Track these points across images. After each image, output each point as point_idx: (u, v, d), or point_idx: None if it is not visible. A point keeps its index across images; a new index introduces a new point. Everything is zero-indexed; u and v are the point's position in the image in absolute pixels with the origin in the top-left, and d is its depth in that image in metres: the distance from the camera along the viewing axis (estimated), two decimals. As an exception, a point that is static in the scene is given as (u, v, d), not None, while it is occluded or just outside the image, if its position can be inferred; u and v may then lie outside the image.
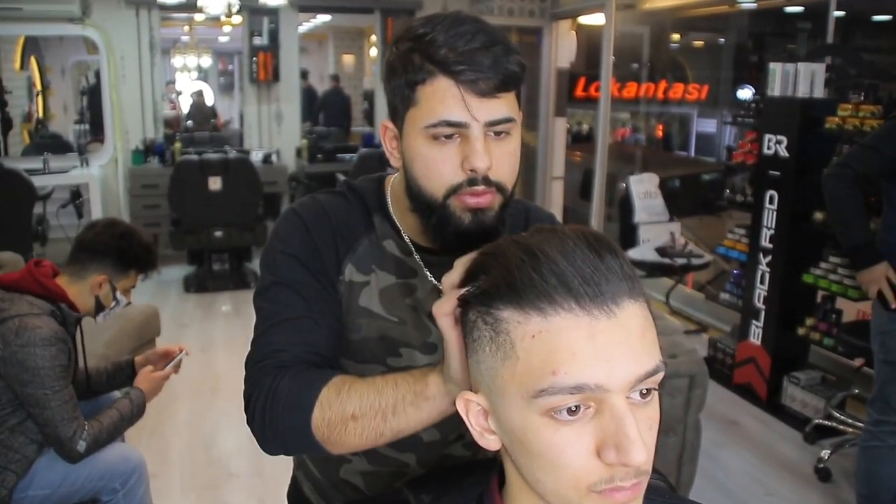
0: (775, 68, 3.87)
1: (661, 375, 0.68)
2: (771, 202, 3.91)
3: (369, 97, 10.16)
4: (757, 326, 4.05)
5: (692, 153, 8.85)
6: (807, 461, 3.52)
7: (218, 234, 6.03)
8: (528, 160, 7.17)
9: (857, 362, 3.87)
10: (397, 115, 1.05)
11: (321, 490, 1.34)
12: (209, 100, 10.89)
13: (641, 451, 0.64)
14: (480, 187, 1.02)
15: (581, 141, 8.78)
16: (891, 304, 2.59)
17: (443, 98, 0.98)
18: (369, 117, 9.47)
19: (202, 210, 5.93)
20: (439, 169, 1.02)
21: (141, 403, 2.30)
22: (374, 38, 8.56)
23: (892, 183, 2.64)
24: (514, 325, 0.67)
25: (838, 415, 3.64)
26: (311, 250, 1.11)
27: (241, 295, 6.08)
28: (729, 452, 3.58)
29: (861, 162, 2.65)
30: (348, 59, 12.46)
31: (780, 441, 3.72)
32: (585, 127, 9.07)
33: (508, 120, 1.01)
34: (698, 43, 9.29)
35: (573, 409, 0.65)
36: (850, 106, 3.55)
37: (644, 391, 0.67)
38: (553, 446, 0.66)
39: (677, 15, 8.11)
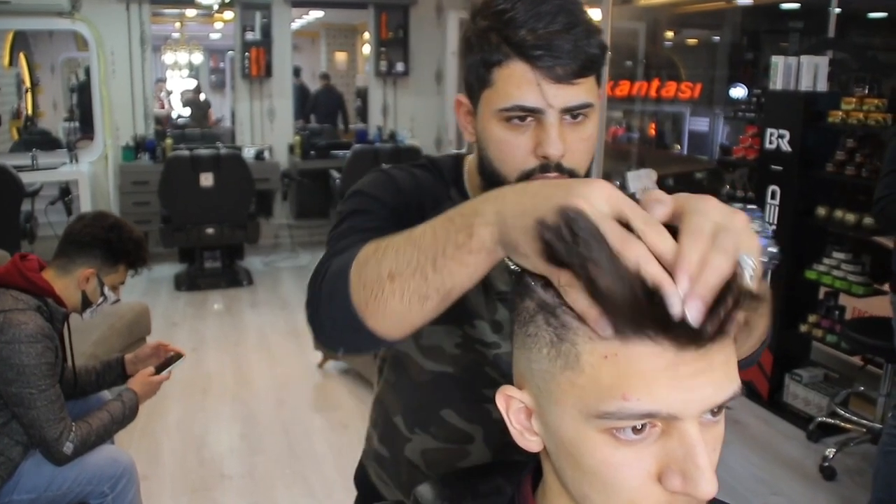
0: (777, 62, 3.82)
1: (738, 396, 0.60)
2: (773, 197, 3.85)
3: (362, 94, 10.09)
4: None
5: (685, 151, 8.81)
6: (811, 460, 3.46)
7: (209, 231, 5.95)
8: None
9: (860, 360, 3.82)
10: (472, 92, 1.04)
11: (386, 469, 1.32)
12: (201, 97, 10.79)
13: (711, 483, 0.57)
14: (553, 174, 1.00)
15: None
16: None
17: (518, 83, 0.96)
18: (362, 114, 9.40)
19: (193, 207, 5.85)
20: (512, 153, 1.00)
21: (133, 406, 2.22)
22: (366, 35, 8.49)
23: None
24: (584, 338, 0.58)
25: (842, 412, 3.59)
26: (400, 204, 1.08)
27: (233, 293, 6.01)
28: (732, 452, 3.52)
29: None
30: (341, 56, 12.38)
31: (783, 440, 3.67)
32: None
33: (586, 105, 1.00)
34: (692, 41, 9.26)
35: (638, 427, 0.58)
36: (854, 99, 3.49)
37: (716, 409, 0.60)
38: (610, 466, 0.59)
39: (673, 11, 8.08)
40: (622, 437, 0.58)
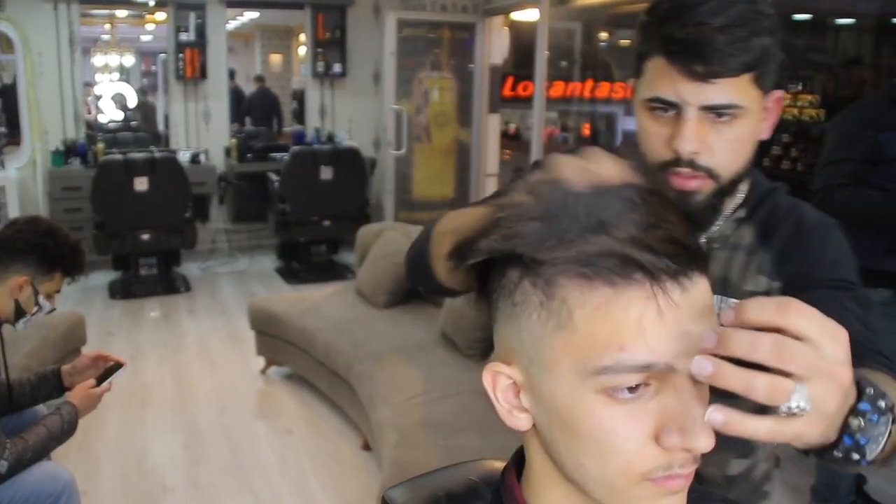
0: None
1: None
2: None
3: (298, 97, 9.98)
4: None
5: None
6: (755, 450, 3.52)
7: (145, 237, 5.80)
8: (463, 157, 7.13)
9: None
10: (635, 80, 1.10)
11: None
12: (132, 101, 10.52)
13: (709, 435, 0.57)
14: (685, 170, 1.03)
15: (509, 140, 8.79)
16: None
17: (659, 75, 1.02)
18: (298, 117, 9.29)
19: (128, 212, 5.69)
20: (652, 143, 1.05)
21: (73, 420, 2.12)
22: (302, 36, 8.39)
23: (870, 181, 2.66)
24: (575, 292, 0.58)
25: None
26: None
27: (171, 300, 5.86)
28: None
29: (838, 175, 2.65)
30: (276, 58, 12.23)
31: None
32: (513, 126, 9.08)
33: (730, 106, 1.00)
34: (626, 41, 9.39)
35: (634, 387, 0.57)
36: (789, 95, 3.58)
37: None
38: (606, 428, 0.58)
39: (608, 12, 8.17)
40: (618, 396, 0.58)
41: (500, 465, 0.93)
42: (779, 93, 1.08)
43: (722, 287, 1.15)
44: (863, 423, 0.61)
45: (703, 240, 1.18)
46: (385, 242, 4.39)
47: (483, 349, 3.46)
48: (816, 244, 1.14)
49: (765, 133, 1.08)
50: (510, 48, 7.34)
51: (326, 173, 6.29)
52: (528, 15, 6.61)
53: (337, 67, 7.29)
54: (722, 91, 0.99)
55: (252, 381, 4.43)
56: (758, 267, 1.14)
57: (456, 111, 7.03)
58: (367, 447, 3.55)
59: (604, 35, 8.97)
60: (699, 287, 0.59)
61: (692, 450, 0.58)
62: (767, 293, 1.11)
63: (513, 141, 8.61)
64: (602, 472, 0.60)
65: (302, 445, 3.65)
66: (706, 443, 0.56)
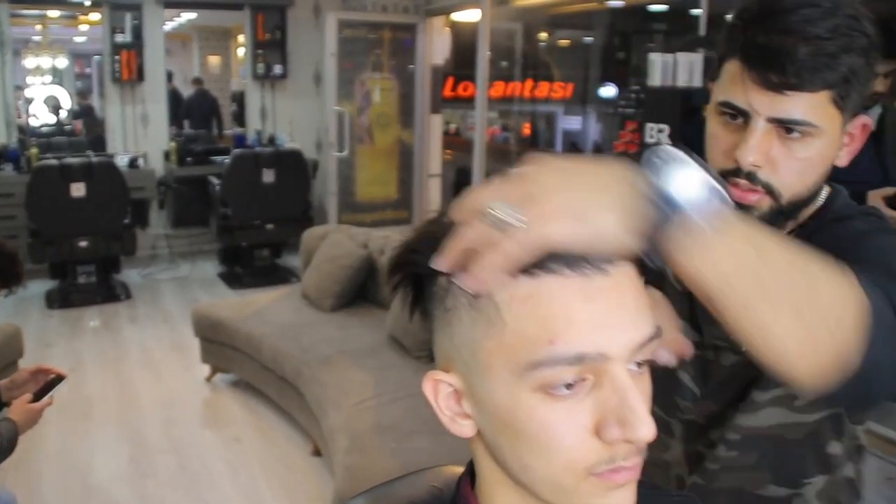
0: (655, 59, 3.94)
1: (656, 343, 0.61)
2: (655, 190, 3.97)
3: (237, 99, 9.85)
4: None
5: (559, 149, 9.04)
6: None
7: (82, 244, 5.65)
8: (406, 158, 7.12)
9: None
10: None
11: None
12: (66, 103, 10.26)
13: (649, 425, 0.57)
14: (743, 182, 0.98)
15: (449, 140, 8.83)
16: None
17: (732, 79, 0.97)
18: (238, 119, 9.17)
19: (64, 219, 5.53)
20: (715, 148, 1.01)
21: (12, 437, 2.04)
22: (241, 37, 8.28)
23: None
24: (499, 286, 0.58)
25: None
26: None
27: (111, 309, 5.72)
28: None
29: None
30: (214, 60, 12.05)
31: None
32: (453, 126, 9.11)
33: (801, 123, 0.94)
34: (565, 41, 9.50)
35: (570, 383, 0.58)
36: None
37: (640, 362, 0.61)
38: (547, 426, 0.59)
39: (548, 12, 8.24)
40: (556, 393, 0.58)
41: (460, 470, 0.93)
42: (865, 119, 1.01)
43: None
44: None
45: None
46: (330, 245, 4.36)
47: (432, 351, 3.45)
48: (846, 248, 0.91)
49: (843, 160, 1.01)
50: (451, 49, 7.36)
51: (268, 176, 6.22)
52: (469, 15, 6.63)
53: (277, 69, 7.21)
54: (795, 106, 0.93)
55: (198, 389, 4.35)
56: None
57: (398, 112, 7.02)
58: (317, 453, 3.51)
59: (544, 35, 9.05)
60: (622, 271, 0.59)
61: (633, 441, 0.58)
62: None
63: (454, 141, 8.64)
64: (548, 472, 0.60)
65: (251, 453, 3.59)
66: (646, 433, 0.57)
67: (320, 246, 4.43)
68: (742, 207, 0.98)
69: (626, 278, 0.60)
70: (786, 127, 0.94)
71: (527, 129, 8.97)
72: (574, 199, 0.55)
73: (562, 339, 0.56)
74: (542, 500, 0.63)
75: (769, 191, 0.98)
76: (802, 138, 0.95)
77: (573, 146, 8.46)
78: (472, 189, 0.59)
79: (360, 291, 4.27)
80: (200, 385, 4.38)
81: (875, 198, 2.60)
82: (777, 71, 0.92)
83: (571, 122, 8.98)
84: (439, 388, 0.65)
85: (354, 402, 3.12)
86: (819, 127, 0.94)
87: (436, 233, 0.61)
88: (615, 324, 0.58)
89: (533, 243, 0.54)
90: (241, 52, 9.24)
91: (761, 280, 0.64)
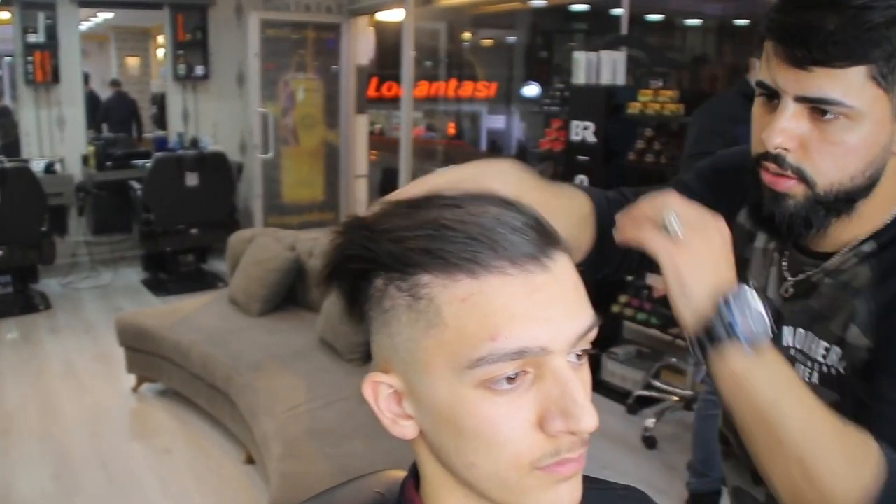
0: (580, 57, 4.00)
1: (595, 333, 0.62)
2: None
3: (158, 101, 9.62)
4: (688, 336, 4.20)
5: (483, 148, 9.13)
6: (633, 432, 3.68)
7: (-3, 253, 5.43)
8: (332, 159, 7.08)
9: (669, 334, 4.09)
10: None
11: None
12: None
13: (591, 415, 0.58)
14: (772, 165, 0.92)
15: (374, 140, 8.83)
16: None
17: (766, 58, 0.92)
18: (159, 122, 8.96)
19: (-23, 228, 5.32)
20: (756, 127, 0.95)
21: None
22: (160, 38, 8.10)
23: None
24: (439, 288, 0.58)
25: (656, 384, 3.85)
26: None
27: (29, 320, 5.52)
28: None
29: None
30: (132, 61, 11.76)
31: (605, 416, 3.82)
32: (378, 127, 9.11)
33: (831, 103, 0.85)
34: (489, 41, 9.57)
35: (511, 377, 0.58)
36: (650, 92, 3.73)
37: (580, 353, 0.62)
38: (490, 422, 0.59)
39: (472, 12, 8.29)
40: (497, 388, 0.58)
41: (402, 474, 0.92)
42: None
43: (809, 324, 1.01)
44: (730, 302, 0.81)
45: (804, 273, 1.02)
46: (257, 248, 4.30)
47: (364, 353, 3.44)
48: None
49: None
50: (375, 49, 7.35)
51: (192, 179, 6.09)
52: (393, 15, 6.62)
53: (199, 70, 7.06)
54: (823, 84, 0.85)
55: (124, 400, 4.23)
56: (853, 314, 0.94)
57: (323, 113, 6.97)
58: (250, 461, 3.46)
59: (467, 35, 9.10)
60: (560, 264, 0.60)
61: (577, 432, 0.58)
62: (854, 351, 0.94)
63: (379, 141, 8.62)
64: (493, 468, 0.60)
65: (183, 464, 3.51)
66: (589, 423, 0.58)
67: (247, 249, 4.36)
68: (775, 195, 0.93)
69: (564, 271, 0.61)
70: (817, 108, 0.87)
71: (452, 129, 9.01)
72: (698, 270, 0.81)
73: (503, 335, 0.56)
74: (489, 499, 0.63)
75: (801, 177, 0.90)
76: (838, 120, 0.86)
77: (493, 144, 8.54)
78: (663, 194, 0.84)
79: (288, 295, 4.22)
80: (127, 396, 4.26)
81: None
82: (800, 45, 0.85)
83: (496, 121, 9.06)
84: (379, 390, 0.64)
85: (287, 407, 3.08)
86: (855, 108, 0.85)
87: (367, 237, 0.61)
88: (555, 318, 0.58)
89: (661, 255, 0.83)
90: (160, 53, 9.03)
91: (765, 414, 0.82)
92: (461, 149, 8.65)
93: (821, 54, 0.84)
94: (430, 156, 7.97)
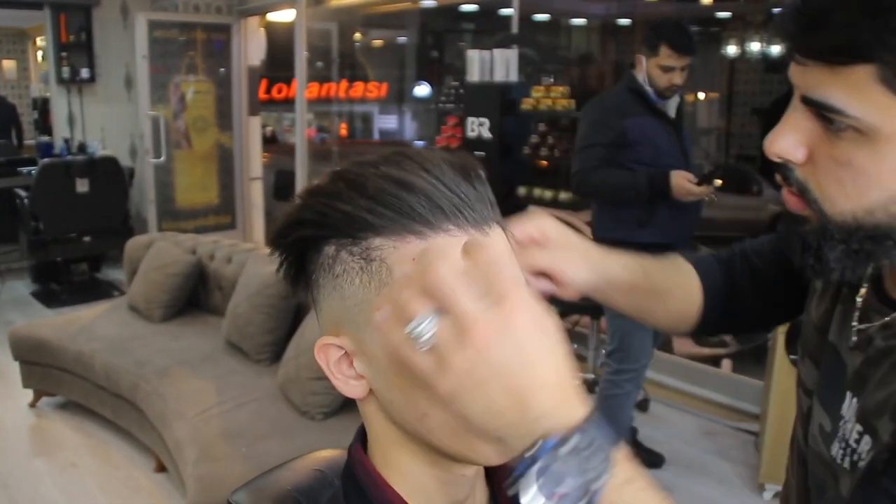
0: (473, 55, 4.10)
1: None
2: (479, 182, 4.15)
3: (40, 105, 9.23)
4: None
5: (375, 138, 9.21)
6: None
7: None
8: (226, 162, 6.98)
9: (569, 323, 4.25)
10: None
11: None
12: None
13: None
14: (779, 177, 0.77)
15: (266, 143, 8.77)
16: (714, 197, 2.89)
17: None
18: (41, 127, 8.60)
19: None
20: None
21: None
22: (40, 39, 7.78)
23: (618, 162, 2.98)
24: (390, 250, 0.64)
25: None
26: None
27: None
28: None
29: (591, 159, 2.94)
30: (9, 64, 11.21)
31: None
32: (269, 129, 9.04)
33: (829, 108, 0.69)
34: (379, 41, 9.62)
35: None
36: (543, 88, 3.88)
37: None
38: None
39: (362, 12, 8.31)
40: None
41: (337, 452, 0.97)
42: None
43: (858, 391, 0.80)
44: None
45: (854, 323, 0.83)
46: (156, 254, 4.23)
47: (272, 353, 3.45)
48: None
49: None
50: (265, 50, 7.29)
51: (82, 186, 5.90)
52: (284, 16, 6.58)
53: (84, 73, 6.83)
54: (823, 82, 0.69)
55: (22, 417, 4.09)
56: (889, 398, 0.74)
57: (215, 115, 6.87)
58: (161, 469, 3.41)
59: (358, 35, 9.11)
60: (498, 234, 0.67)
61: None
62: (877, 443, 0.75)
63: (271, 144, 8.56)
64: (444, 416, 0.63)
65: (90, 478, 3.43)
66: None
67: (146, 255, 4.28)
68: (791, 217, 0.77)
69: (498, 240, 0.67)
70: (823, 115, 0.70)
71: (343, 130, 9.03)
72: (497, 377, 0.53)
73: None
74: (439, 452, 0.67)
75: (807, 197, 0.74)
76: (846, 134, 0.69)
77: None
78: (439, 267, 0.55)
79: (190, 299, 4.17)
80: (24, 412, 4.12)
81: (678, 177, 2.87)
82: (799, 36, 0.71)
83: (388, 121, 9.13)
84: (329, 353, 0.68)
85: (198, 411, 3.06)
86: (861, 119, 0.67)
87: (321, 203, 0.66)
88: None
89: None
90: (40, 55, 8.66)
91: None
92: (354, 146, 8.68)
93: (815, 44, 0.69)
94: (323, 157, 7.96)
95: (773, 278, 1.06)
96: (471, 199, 0.65)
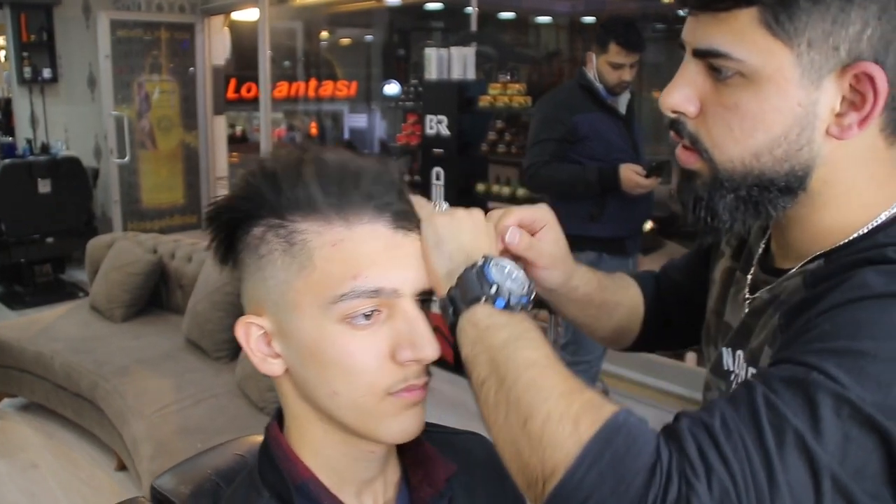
0: (430, 54, 4.15)
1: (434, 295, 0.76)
2: (438, 178, 4.20)
3: (2, 106, 9.12)
4: (435, 298, 4.34)
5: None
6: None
7: None
8: (191, 161, 6.96)
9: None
10: None
11: None
12: None
13: (434, 345, 0.71)
14: (672, 133, 0.80)
15: (235, 143, 8.73)
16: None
17: None
18: (4, 127, 8.50)
19: None
20: None
21: None
22: (1, 39, 7.71)
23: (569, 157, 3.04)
24: (314, 234, 0.69)
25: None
26: None
27: None
28: (430, 416, 3.79)
29: (542, 154, 2.99)
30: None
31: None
32: (239, 129, 9.00)
33: (716, 54, 0.72)
34: (346, 40, 9.62)
35: (368, 314, 0.69)
36: (499, 85, 3.93)
37: (424, 300, 0.74)
38: (349, 353, 0.69)
39: (328, 11, 8.31)
40: (356, 323, 0.69)
41: (261, 438, 1.01)
42: (868, 66, 0.69)
43: (742, 344, 0.85)
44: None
45: (747, 295, 0.87)
46: (117, 253, 4.22)
47: (231, 350, 3.46)
48: (829, 312, 0.68)
49: (844, 130, 0.72)
50: (232, 50, 7.26)
51: (44, 187, 5.88)
52: (248, 15, 6.58)
53: (47, 73, 6.78)
54: (711, 31, 0.72)
55: (-18, 417, 4.08)
56: (772, 335, 0.78)
57: (180, 115, 6.85)
58: (122, 468, 3.42)
59: (325, 34, 9.11)
60: (416, 238, 0.74)
61: (421, 360, 0.71)
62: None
63: (240, 144, 8.53)
64: (352, 394, 0.71)
65: (52, 479, 3.43)
66: (431, 352, 0.70)
67: (107, 255, 4.27)
68: (685, 175, 0.81)
69: (417, 241, 0.74)
70: (711, 64, 0.74)
71: (314, 129, 9.02)
72: (457, 231, 0.77)
73: (364, 275, 0.68)
74: (348, 428, 0.73)
75: (700, 149, 0.77)
76: (733, 80, 0.73)
77: (350, 144, 8.61)
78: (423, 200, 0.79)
79: (152, 298, 4.18)
80: (-16, 413, 4.11)
81: (627, 170, 2.93)
82: None
83: (358, 120, 9.13)
84: (250, 332, 0.73)
85: (156, 408, 3.08)
86: (746, 62, 0.71)
87: (253, 185, 0.71)
88: (408, 267, 0.72)
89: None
90: (2, 55, 8.57)
91: (496, 359, 0.69)
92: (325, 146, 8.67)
93: None
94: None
95: (694, 290, 1.07)
96: (400, 202, 0.72)
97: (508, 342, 0.70)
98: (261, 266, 0.72)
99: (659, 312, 1.11)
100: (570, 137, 3.03)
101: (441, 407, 3.90)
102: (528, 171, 3.07)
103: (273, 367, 0.74)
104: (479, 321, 0.72)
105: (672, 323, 1.12)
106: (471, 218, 0.79)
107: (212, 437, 2.84)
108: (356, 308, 0.68)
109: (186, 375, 3.36)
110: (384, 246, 0.70)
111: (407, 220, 0.72)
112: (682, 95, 0.76)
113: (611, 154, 3.04)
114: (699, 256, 1.09)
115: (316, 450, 0.77)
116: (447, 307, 0.75)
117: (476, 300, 0.73)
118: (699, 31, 0.73)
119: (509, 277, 0.74)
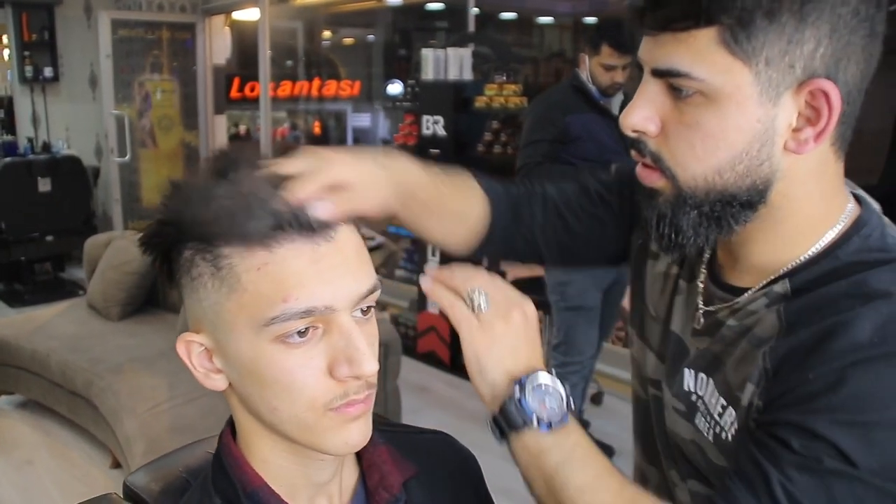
0: (427, 54, 4.16)
1: (378, 293, 0.73)
2: (434, 179, 4.21)
3: (3, 105, 9.15)
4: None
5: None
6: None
7: None
8: (191, 161, 6.98)
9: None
10: None
11: None
12: None
13: (371, 361, 0.69)
14: (633, 152, 0.81)
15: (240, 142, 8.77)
16: None
17: None
18: (6, 126, 8.53)
19: None
20: None
21: None
22: (4, 38, 7.74)
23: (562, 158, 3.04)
24: (239, 258, 0.68)
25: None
26: None
27: None
28: (426, 417, 3.81)
29: (535, 154, 3.00)
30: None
31: (469, 398, 4.02)
32: (243, 128, 9.04)
33: (676, 73, 0.73)
34: (349, 40, 9.64)
35: (303, 331, 0.68)
36: (496, 86, 3.95)
37: (364, 309, 0.72)
38: (286, 371, 0.69)
39: (329, 10, 8.32)
40: (291, 341, 0.68)
41: (233, 437, 1.02)
42: (822, 83, 0.71)
43: (709, 370, 0.86)
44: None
45: (713, 306, 0.87)
46: (114, 252, 4.24)
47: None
48: (827, 377, 0.70)
49: (801, 145, 0.74)
50: (235, 49, 7.28)
51: (45, 185, 5.91)
52: (249, 14, 6.60)
53: (48, 72, 6.81)
54: (670, 51, 0.73)
55: (-21, 414, 4.10)
56: (750, 370, 0.79)
57: (180, 114, 6.86)
58: (116, 465, 3.43)
59: (327, 34, 9.13)
60: (343, 234, 0.72)
61: (360, 376, 0.70)
62: (748, 416, 0.79)
63: (244, 143, 8.56)
64: (292, 411, 0.70)
65: (46, 476, 3.45)
66: (370, 368, 0.69)
67: (104, 254, 4.29)
68: (646, 192, 0.82)
69: (347, 240, 0.71)
70: (671, 84, 0.75)
71: (317, 128, 9.03)
72: (496, 351, 0.81)
73: (293, 297, 0.66)
74: (292, 440, 0.73)
75: (662, 168, 0.78)
76: (693, 98, 0.74)
77: (356, 143, 8.62)
78: (463, 269, 0.82)
79: (149, 297, 4.19)
80: (-18, 410, 4.13)
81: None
82: (648, 6, 0.75)
83: (361, 120, 9.13)
84: (192, 348, 0.74)
85: (149, 406, 3.10)
86: (706, 81, 0.72)
87: (173, 210, 0.70)
88: (338, 281, 0.68)
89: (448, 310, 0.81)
90: (5, 54, 8.61)
91: (552, 481, 0.79)
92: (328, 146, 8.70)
93: (662, 14, 0.73)
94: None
95: (593, 227, 1.06)
96: (301, 205, 0.68)
97: (559, 468, 0.78)
98: (195, 287, 0.71)
99: (512, 232, 1.07)
100: (562, 138, 3.04)
101: (438, 407, 3.93)
102: (521, 171, 3.08)
103: (216, 383, 0.74)
104: (529, 447, 0.80)
105: (530, 244, 1.09)
106: (509, 329, 0.81)
107: (203, 435, 2.85)
108: (289, 329, 0.67)
109: (180, 374, 3.37)
110: (309, 261, 0.68)
111: (324, 227, 0.69)
112: (642, 115, 0.77)
113: (603, 155, 3.05)
114: (610, 212, 1.06)
115: (265, 459, 0.77)
116: (495, 430, 0.83)
117: (515, 426, 0.80)
118: (657, 51, 0.75)
119: (547, 395, 0.79)
